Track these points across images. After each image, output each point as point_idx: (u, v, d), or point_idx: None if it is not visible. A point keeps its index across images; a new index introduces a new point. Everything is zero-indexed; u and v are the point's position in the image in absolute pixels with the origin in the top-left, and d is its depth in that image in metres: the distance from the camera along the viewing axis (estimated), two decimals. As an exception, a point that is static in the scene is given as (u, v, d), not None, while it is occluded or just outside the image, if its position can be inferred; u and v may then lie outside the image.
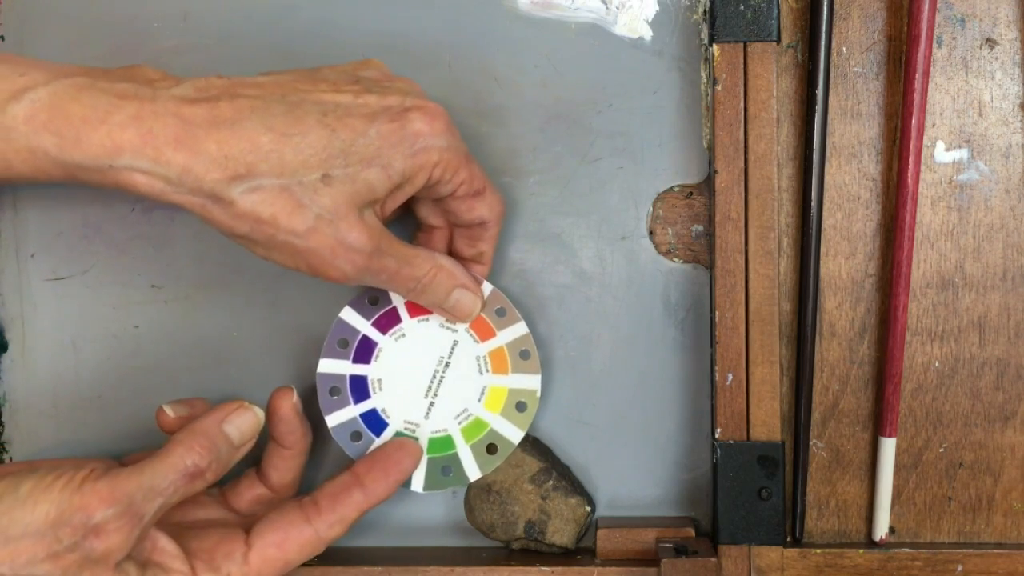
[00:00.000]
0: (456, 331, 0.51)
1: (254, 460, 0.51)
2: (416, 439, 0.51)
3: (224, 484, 0.51)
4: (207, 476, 0.44)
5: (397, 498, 0.54)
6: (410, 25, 0.53)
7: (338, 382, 0.51)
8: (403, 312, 0.51)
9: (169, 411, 0.48)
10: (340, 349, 0.51)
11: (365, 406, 0.51)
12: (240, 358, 0.54)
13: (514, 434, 0.51)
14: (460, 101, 0.53)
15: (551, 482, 0.52)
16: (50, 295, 0.54)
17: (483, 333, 0.51)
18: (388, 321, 0.51)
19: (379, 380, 0.51)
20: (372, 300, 0.51)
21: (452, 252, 0.51)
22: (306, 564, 0.51)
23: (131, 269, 0.54)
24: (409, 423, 0.51)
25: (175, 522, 0.48)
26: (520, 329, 0.51)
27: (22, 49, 0.53)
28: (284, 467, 0.50)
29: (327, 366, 0.51)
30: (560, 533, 0.52)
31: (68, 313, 0.54)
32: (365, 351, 0.51)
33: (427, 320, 0.51)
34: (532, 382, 0.51)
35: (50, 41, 0.53)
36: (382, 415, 0.51)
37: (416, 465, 0.50)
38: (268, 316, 0.54)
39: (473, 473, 0.51)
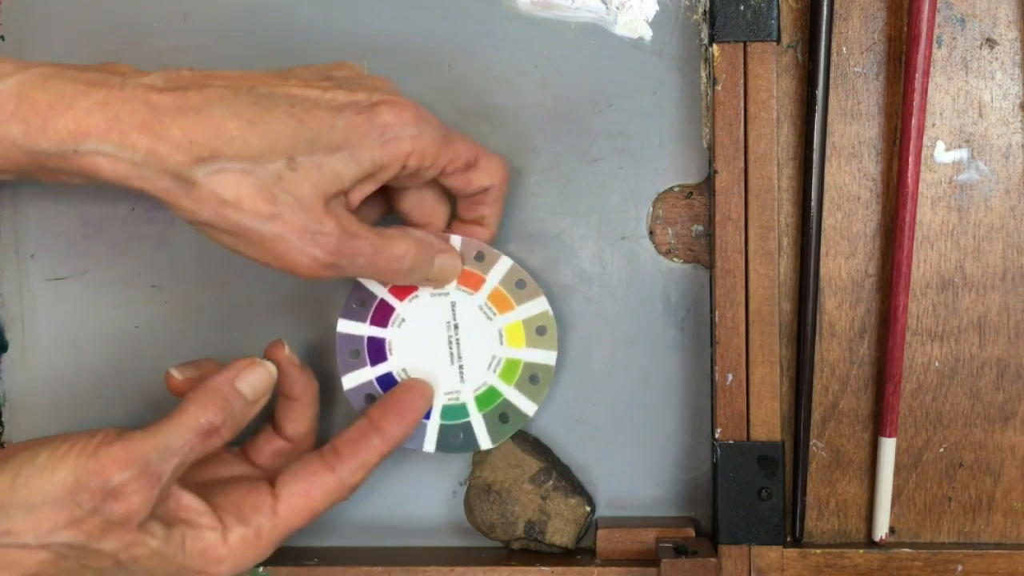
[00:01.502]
0: (447, 293, 0.51)
1: (270, 414, 0.51)
2: (460, 400, 0.51)
3: (243, 441, 0.51)
4: (222, 433, 0.44)
5: (397, 498, 0.54)
6: (410, 25, 0.53)
7: (369, 389, 0.51)
8: (392, 299, 0.51)
9: (176, 374, 0.48)
10: (353, 360, 0.51)
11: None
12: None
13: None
14: (460, 101, 0.53)
15: (551, 482, 0.52)
16: (50, 295, 0.54)
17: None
18: (383, 315, 0.51)
19: (404, 369, 0.51)
20: (359, 303, 0.51)
21: (455, 216, 0.51)
22: (306, 564, 0.51)
23: (131, 269, 0.54)
24: (449, 393, 0.51)
25: (200, 481, 0.48)
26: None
27: (22, 49, 0.53)
28: (296, 417, 0.50)
29: (351, 380, 0.51)
30: (560, 533, 0.52)
31: (68, 313, 0.54)
32: (378, 352, 0.51)
33: (417, 296, 0.51)
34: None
35: (50, 41, 0.54)
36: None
37: (428, 404, 0.50)
38: (268, 316, 0.54)
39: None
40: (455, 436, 0.51)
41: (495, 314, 0.51)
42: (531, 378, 0.51)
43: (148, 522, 0.43)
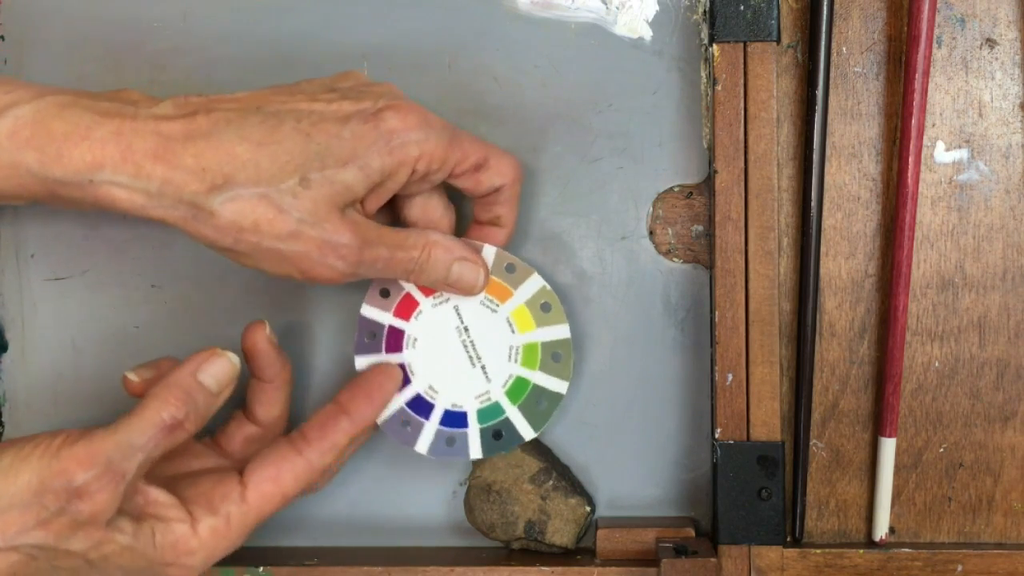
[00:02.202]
0: (447, 299, 0.51)
1: (240, 401, 0.51)
2: (492, 407, 0.51)
3: (214, 430, 0.51)
4: (186, 427, 0.44)
5: (397, 498, 0.54)
6: (410, 25, 0.53)
7: (402, 416, 0.51)
8: (399, 323, 0.51)
9: (133, 376, 0.48)
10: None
11: (436, 415, 0.51)
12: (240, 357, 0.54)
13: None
14: (460, 101, 0.53)
15: (551, 482, 0.52)
16: (50, 295, 0.54)
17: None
18: (395, 341, 0.51)
19: (430, 386, 0.51)
20: (370, 336, 0.51)
21: (471, 218, 0.51)
22: (306, 564, 0.51)
23: (131, 269, 0.54)
24: (480, 395, 0.51)
25: (170, 475, 0.48)
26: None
27: (22, 49, 0.53)
28: (269, 400, 0.50)
29: (382, 413, 0.51)
30: (560, 533, 0.52)
31: (68, 313, 0.54)
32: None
33: (421, 311, 0.51)
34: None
35: (50, 41, 0.54)
36: (453, 408, 0.51)
37: (396, 385, 0.50)
38: (267, 316, 0.54)
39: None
40: (497, 435, 0.51)
41: (497, 305, 0.51)
42: (553, 356, 0.51)
43: (116, 519, 0.43)
